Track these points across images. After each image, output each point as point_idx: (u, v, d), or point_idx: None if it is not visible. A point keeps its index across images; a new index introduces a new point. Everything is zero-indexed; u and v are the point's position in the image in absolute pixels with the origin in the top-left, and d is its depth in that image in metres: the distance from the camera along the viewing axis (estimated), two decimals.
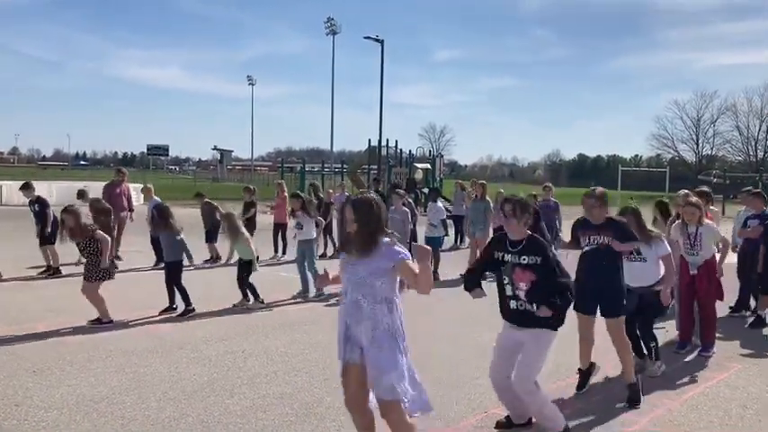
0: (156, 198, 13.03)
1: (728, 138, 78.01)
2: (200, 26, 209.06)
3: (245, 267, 9.06)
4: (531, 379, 4.47)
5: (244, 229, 9.36)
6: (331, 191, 18.62)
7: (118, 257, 13.15)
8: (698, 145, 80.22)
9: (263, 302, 9.07)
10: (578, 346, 5.68)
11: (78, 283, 8.07)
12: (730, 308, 8.79)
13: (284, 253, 14.05)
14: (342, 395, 4.04)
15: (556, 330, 4.55)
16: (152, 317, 8.20)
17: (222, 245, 11.78)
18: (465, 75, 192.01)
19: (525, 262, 4.47)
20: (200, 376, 5.95)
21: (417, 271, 3.71)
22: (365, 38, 33.39)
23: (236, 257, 9.21)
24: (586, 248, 5.45)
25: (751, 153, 76.57)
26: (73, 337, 7.22)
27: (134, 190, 23.27)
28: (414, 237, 13.92)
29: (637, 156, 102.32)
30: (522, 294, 4.50)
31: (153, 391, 5.51)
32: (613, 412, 5.24)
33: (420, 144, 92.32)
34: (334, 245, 14.55)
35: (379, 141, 32.59)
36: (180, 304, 8.45)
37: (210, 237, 13.23)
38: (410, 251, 3.97)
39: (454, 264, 12.16)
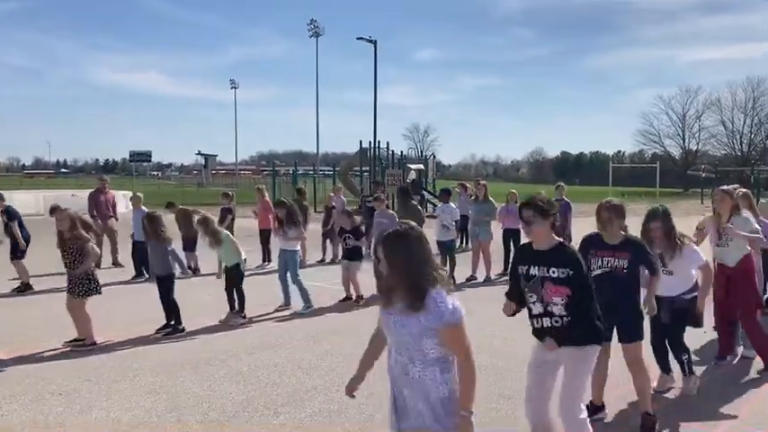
0: (143, 208, 12.47)
1: (714, 132, 78.70)
2: (180, 31, 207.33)
3: (234, 274, 8.58)
4: (577, 403, 3.96)
5: (224, 230, 8.95)
6: (332, 194, 18.35)
7: (119, 265, 12.92)
8: (684, 140, 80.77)
9: (245, 317, 8.50)
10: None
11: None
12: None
13: (269, 260, 13.48)
14: None
15: (599, 344, 4.02)
16: (152, 334, 7.78)
17: (203, 256, 11.49)
18: (447, 74, 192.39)
19: (556, 275, 3.84)
20: (238, 394, 5.67)
21: (468, 347, 2.99)
22: (358, 38, 33.31)
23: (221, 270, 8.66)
24: (597, 272, 4.66)
25: (736, 147, 77.24)
26: (93, 357, 6.90)
27: (123, 196, 22.91)
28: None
29: (619, 152, 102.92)
30: (557, 310, 3.88)
31: (192, 413, 5.23)
32: None
33: (404, 144, 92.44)
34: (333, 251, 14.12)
35: (371, 143, 32.29)
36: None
37: (188, 246, 12.41)
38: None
39: (463, 266, 11.87)
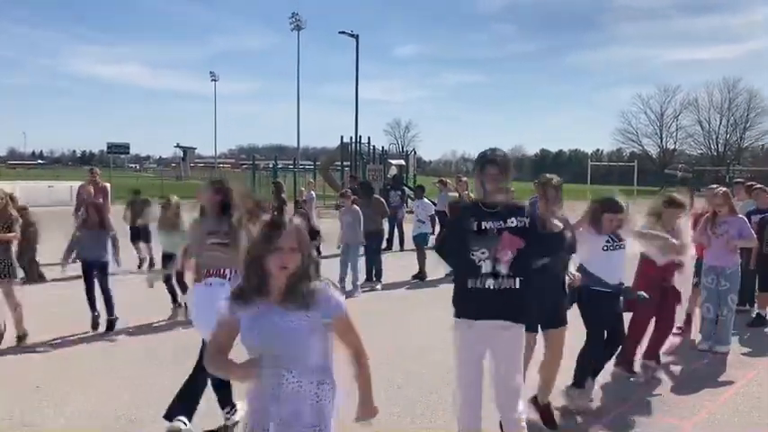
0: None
1: (691, 132, 79.45)
2: (160, 22, 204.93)
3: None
4: (520, 397, 3.74)
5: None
6: (303, 189, 18.48)
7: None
8: (662, 139, 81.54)
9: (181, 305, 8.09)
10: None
11: (61, 288, 7.61)
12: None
13: None
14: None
15: (526, 329, 3.85)
16: (133, 325, 7.82)
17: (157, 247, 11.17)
18: (429, 70, 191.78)
19: (515, 224, 3.69)
20: None
21: (359, 335, 2.79)
22: (340, 33, 33.28)
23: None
24: None
25: (712, 147, 78.10)
26: (70, 350, 6.87)
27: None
28: (401, 235, 13.63)
29: (598, 150, 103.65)
30: (503, 268, 3.66)
31: None
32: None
33: (385, 139, 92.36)
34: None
35: (352, 138, 32.31)
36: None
37: (141, 236, 11.87)
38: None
39: (439, 261, 11.89)
